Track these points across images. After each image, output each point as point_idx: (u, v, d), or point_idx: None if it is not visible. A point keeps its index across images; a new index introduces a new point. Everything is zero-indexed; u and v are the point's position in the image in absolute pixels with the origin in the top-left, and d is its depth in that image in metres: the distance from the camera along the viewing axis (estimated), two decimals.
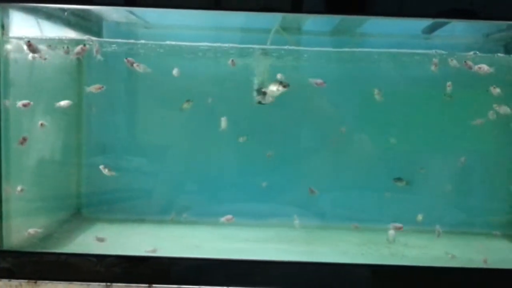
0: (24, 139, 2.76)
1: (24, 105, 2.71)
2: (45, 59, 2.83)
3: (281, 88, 2.73)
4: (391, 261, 2.80)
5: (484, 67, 2.84)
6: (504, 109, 2.95)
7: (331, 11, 2.55)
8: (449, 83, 3.00)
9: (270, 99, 2.85)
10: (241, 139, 3.26)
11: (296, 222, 3.19)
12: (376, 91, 3.05)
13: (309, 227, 3.25)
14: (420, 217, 3.08)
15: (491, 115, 3.04)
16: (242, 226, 3.29)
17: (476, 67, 2.85)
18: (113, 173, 3.08)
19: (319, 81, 3.00)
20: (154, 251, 2.67)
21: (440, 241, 3.03)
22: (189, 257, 2.53)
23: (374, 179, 3.42)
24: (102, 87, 2.93)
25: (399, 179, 3.13)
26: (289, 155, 3.43)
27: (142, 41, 3.09)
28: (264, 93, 2.82)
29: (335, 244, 3.07)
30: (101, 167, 3.03)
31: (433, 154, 3.41)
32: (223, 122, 3.18)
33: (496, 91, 2.89)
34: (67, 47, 2.89)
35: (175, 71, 3.08)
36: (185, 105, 3.10)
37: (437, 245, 3.04)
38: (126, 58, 2.96)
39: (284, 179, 3.39)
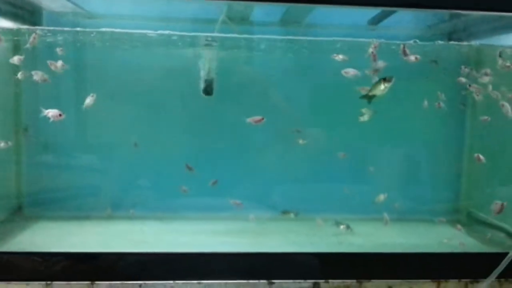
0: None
1: None
2: None
3: (387, 84, 2.64)
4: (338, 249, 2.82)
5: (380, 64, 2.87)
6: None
7: None
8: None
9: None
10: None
11: (252, 217, 3.19)
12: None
13: (260, 219, 3.23)
14: (381, 197, 3.10)
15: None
16: (191, 220, 3.25)
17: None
18: None
19: None
20: None
21: (386, 229, 3.08)
22: (132, 252, 2.45)
23: (323, 171, 3.44)
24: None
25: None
26: (239, 149, 3.39)
27: (78, 29, 2.97)
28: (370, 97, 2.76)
29: (284, 235, 3.07)
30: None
31: (381, 145, 3.46)
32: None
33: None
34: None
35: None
36: (88, 101, 2.91)
37: (383, 232, 3.10)
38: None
39: (234, 172, 3.35)
